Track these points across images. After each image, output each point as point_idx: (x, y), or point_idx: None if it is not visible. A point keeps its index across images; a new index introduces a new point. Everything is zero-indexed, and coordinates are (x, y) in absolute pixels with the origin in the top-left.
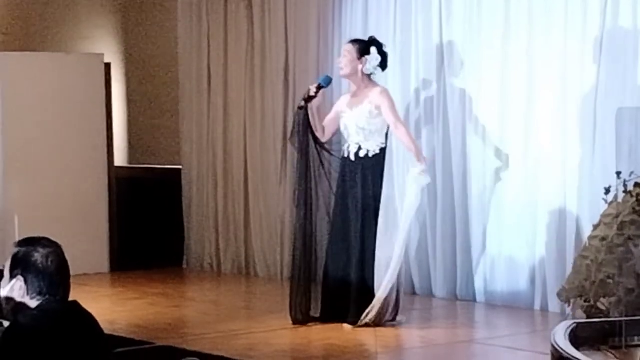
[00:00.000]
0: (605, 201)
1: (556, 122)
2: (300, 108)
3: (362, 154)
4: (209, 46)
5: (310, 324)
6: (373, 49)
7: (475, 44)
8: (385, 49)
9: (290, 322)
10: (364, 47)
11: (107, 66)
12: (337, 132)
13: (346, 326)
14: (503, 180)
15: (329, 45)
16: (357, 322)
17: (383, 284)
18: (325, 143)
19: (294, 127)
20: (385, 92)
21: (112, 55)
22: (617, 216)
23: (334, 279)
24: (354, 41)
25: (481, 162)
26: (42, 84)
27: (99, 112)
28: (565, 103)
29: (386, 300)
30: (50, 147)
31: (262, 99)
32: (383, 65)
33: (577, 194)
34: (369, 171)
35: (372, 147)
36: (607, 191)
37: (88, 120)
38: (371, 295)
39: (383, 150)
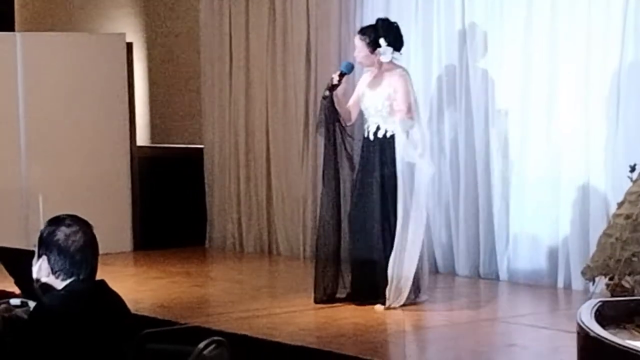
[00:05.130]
0: (630, 179)
1: (579, 99)
2: (324, 97)
3: (380, 134)
4: (230, 25)
5: (333, 304)
6: (381, 41)
7: (497, 24)
8: (395, 26)
9: (313, 301)
10: (372, 40)
11: (129, 46)
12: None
13: (378, 307)
14: (526, 158)
15: (351, 25)
16: (386, 302)
17: (410, 264)
18: (349, 126)
19: (320, 118)
20: (404, 75)
21: (134, 35)
22: None
23: (361, 259)
24: (362, 33)
25: (504, 141)
26: (64, 64)
27: (121, 92)
28: (588, 80)
29: (413, 280)
30: (73, 126)
31: (284, 79)
32: (397, 47)
33: (601, 171)
34: (388, 151)
35: (390, 127)
36: (632, 169)
37: (110, 100)
38: (399, 276)
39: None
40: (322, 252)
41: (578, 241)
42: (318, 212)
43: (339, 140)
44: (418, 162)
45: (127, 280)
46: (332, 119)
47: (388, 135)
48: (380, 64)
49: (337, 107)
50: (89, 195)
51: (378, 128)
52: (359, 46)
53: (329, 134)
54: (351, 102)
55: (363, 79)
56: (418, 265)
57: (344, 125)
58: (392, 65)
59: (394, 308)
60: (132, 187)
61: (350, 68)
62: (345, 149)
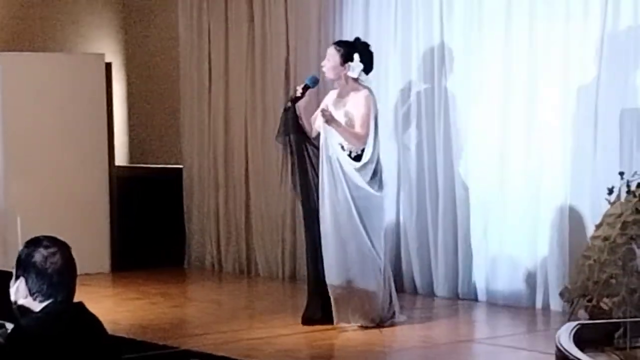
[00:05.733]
0: (608, 201)
1: (558, 121)
2: (286, 109)
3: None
4: (209, 45)
5: (314, 325)
6: (356, 56)
7: (476, 44)
8: (371, 49)
9: (300, 321)
10: (347, 52)
11: (108, 66)
12: None
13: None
14: (505, 179)
15: (330, 43)
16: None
17: (357, 284)
18: (314, 139)
19: (280, 127)
20: (368, 97)
21: (113, 54)
22: (619, 216)
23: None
24: (338, 45)
25: (483, 161)
26: (43, 84)
27: (99, 112)
28: (567, 102)
29: (382, 299)
30: (51, 147)
31: (263, 97)
32: (367, 69)
33: (579, 193)
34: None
35: (353, 148)
36: (610, 191)
37: (89, 120)
38: (345, 294)
39: (364, 151)
40: (313, 273)
41: (556, 263)
42: (304, 233)
43: (305, 153)
44: (356, 179)
45: (105, 301)
46: (295, 130)
47: (353, 155)
48: (347, 79)
49: (299, 119)
50: (67, 215)
51: (342, 148)
52: (331, 54)
53: (292, 146)
54: (314, 116)
55: (329, 96)
56: (386, 286)
57: (308, 136)
58: (358, 85)
59: (364, 327)
60: (110, 207)
61: (315, 82)
62: (311, 161)
